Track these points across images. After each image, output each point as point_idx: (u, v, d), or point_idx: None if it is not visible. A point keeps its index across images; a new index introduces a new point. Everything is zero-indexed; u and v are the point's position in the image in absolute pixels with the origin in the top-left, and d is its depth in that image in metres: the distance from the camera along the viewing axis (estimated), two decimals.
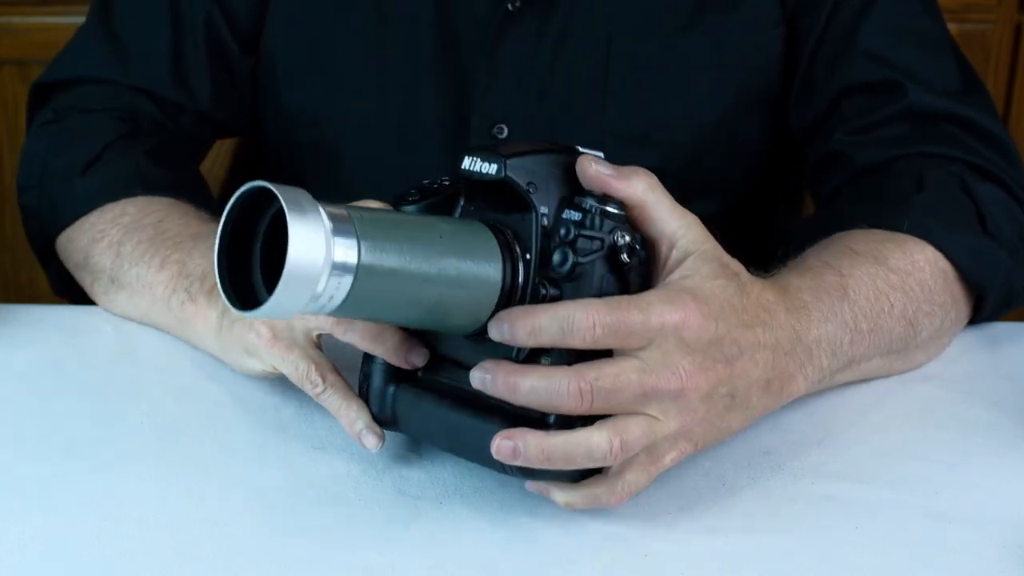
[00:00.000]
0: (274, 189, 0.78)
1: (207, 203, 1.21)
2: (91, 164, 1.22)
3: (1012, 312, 1.18)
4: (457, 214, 0.92)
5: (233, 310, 0.80)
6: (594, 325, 0.85)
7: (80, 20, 1.34)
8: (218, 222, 0.81)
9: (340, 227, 0.79)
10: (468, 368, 0.89)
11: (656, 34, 1.25)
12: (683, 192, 0.92)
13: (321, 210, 0.79)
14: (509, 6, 1.25)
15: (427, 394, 0.93)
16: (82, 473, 0.96)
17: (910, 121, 1.21)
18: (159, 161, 1.23)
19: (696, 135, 1.27)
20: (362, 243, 0.80)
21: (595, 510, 0.91)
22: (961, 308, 1.11)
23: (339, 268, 0.79)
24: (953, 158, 1.18)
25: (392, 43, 1.28)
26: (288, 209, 0.77)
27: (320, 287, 0.79)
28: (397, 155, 1.30)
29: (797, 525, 0.92)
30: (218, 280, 0.81)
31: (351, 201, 1.32)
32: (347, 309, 0.82)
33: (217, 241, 0.81)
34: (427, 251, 0.84)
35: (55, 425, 1.02)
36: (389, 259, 0.82)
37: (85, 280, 1.19)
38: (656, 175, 0.92)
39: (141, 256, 1.13)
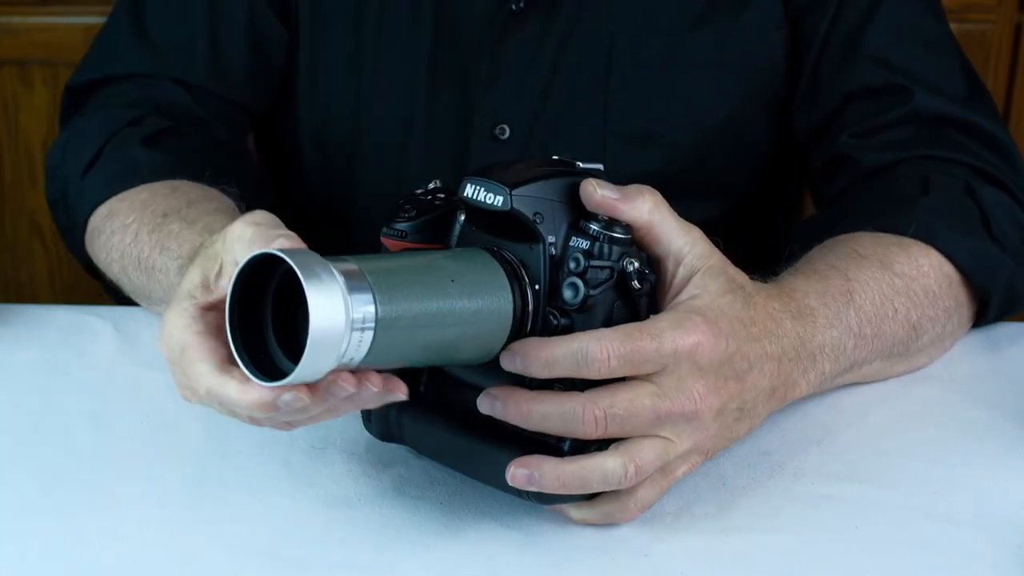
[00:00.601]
0: (284, 256, 0.78)
1: (211, 171, 1.17)
2: (92, 163, 1.20)
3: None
4: (456, 235, 0.91)
5: (257, 382, 0.79)
6: (608, 357, 0.85)
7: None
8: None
9: (354, 284, 0.79)
10: (475, 389, 0.88)
11: (659, 34, 1.25)
12: (686, 194, 0.92)
13: (334, 271, 0.78)
14: (513, 6, 1.24)
15: (434, 413, 0.92)
16: (82, 473, 0.96)
17: (915, 125, 1.21)
18: (158, 144, 1.20)
19: (699, 136, 1.27)
20: (377, 298, 0.80)
21: None
22: (964, 312, 1.12)
23: (359, 326, 0.79)
24: (957, 161, 1.18)
25: (392, 42, 1.28)
26: (303, 277, 0.77)
27: (343, 348, 0.78)
28: (396, 152, 1.30)
29: (797, 525, 0.92)
30: (235, 352, 0.80)
31: (355, 202, 1.32)
32: (368, 362, 0.81)
33: (227, 312, 0.80)
34: (441, 296, 0.83)
35: (55, 425, 1.02)
36: (405, 309, 0.81)
37: (118, 286, 1.17)
38: (658, 176, 0.91)
39: (135, 266, 1.10)
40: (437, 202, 0.91)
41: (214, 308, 0.85)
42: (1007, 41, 2.07)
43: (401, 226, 0.90)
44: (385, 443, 0.96)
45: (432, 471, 0.96)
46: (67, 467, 0.97)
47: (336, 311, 0.77)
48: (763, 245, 1.30)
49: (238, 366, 0.81)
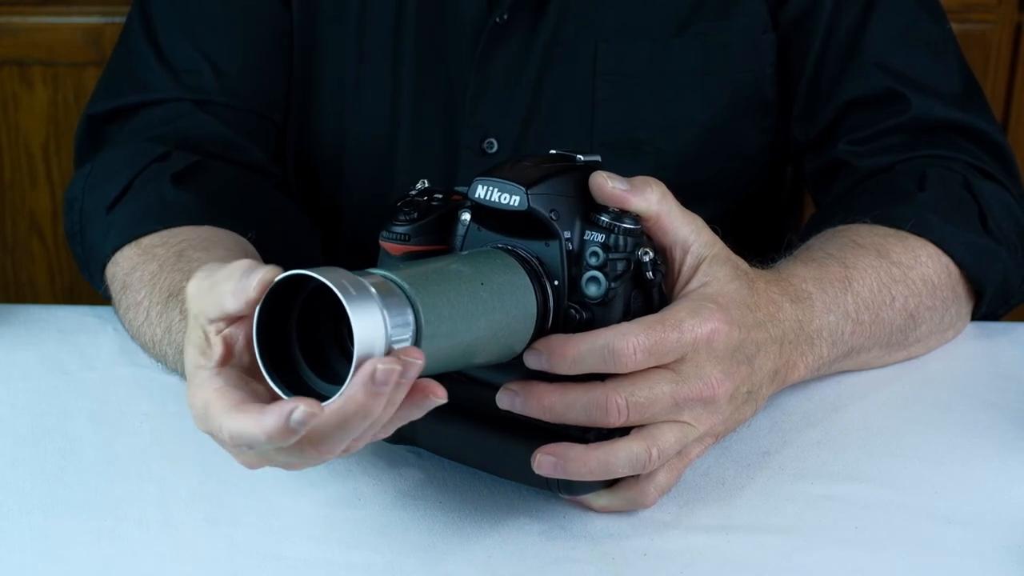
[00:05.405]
0: (313, 274, 0.75)
1: (237, 215, 1.14)
2: (119, 198, 1.16)
3: (1011, 312, 1.19)
4: (460, 235, 0.90)
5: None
6: (635, 351, 0.86)
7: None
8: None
9: (391, 297, 0.77)
10: (489, 385, 0.88)
11: (644, 41, 1.25)
12: (678, 199, 0.92)
13: (373, 290, 0.76)
14: (497, 19, 1.24)
15: (448, 412, 0.91)
16: (82, 473, 0.96)
17: (913, 131, 1.21)
18: (186, 183, 1.16)
19: (688, 141, 1.27)
20: (419, 308, 0.78)
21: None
22: (963, 305, 1.13)
23: (400, 338, 0.77)
24: (955, 159, 1.19)
25: (376, 56, 1.27)
26: (346, 301, 0.74)
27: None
28: (383, 166, 1.29)
29: (797, 525, 0.92)
30: (268, 378, 0.77)
31: (343, 214, 1.32)
32: None
33: (256, 346, 0.77)
34: (475, 301, 0.83)
35: (55, 425, 1.02)
36: (446, 317, 0.80)
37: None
38: None
39: (151, 347, 1.07)
40: (434, 203, 0.91)
41: (227, 363, 0.80)
42: (1007, 41, 2.07)
43: (402, 229, 0.90)
44: (385, 444, 0.95)
45: (432, 471, 0.96)
46: (67, 467, 0.97)
47: (376, 325, 0.75)
48: (759, 246, 1.30)
49: (253, 404, 0.77)
